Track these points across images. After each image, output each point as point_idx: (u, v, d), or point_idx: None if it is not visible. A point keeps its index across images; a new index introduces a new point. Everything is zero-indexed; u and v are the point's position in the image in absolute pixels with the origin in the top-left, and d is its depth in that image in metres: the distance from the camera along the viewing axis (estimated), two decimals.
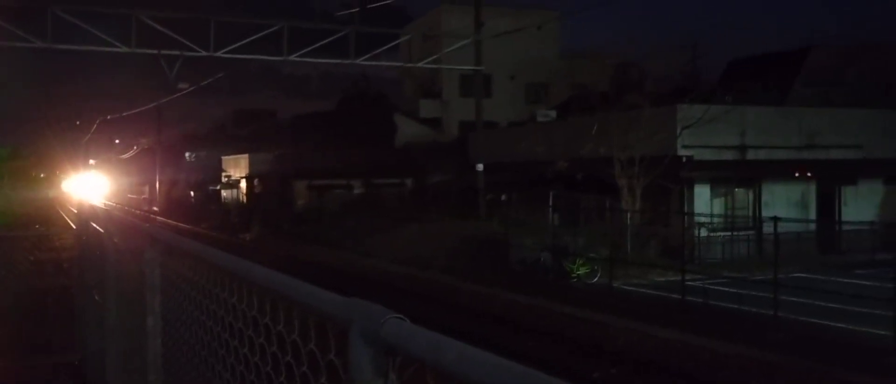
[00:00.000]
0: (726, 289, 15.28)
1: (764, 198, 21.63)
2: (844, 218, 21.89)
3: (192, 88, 27.68)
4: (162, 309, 3.49)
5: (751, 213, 21.50)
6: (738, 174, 21.50)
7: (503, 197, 19.26)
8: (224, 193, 46.80)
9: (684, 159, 20.47)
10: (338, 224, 29.94)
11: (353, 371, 1.35)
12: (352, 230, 28.32)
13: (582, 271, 17.17)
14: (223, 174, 46.59)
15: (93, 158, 56.98)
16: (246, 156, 42.61)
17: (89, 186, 46.04)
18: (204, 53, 21.32)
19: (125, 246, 4.29)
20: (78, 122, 52.77)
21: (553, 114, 31.41)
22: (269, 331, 2.08)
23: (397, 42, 27.79)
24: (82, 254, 7.24)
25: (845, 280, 15.83)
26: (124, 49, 20.44)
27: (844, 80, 26.51)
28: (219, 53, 21.66)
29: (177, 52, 21.18)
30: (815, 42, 29.78)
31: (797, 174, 21.57)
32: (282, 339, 1.96)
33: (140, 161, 60.24)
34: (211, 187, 49.91)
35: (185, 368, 3.14)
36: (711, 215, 20.12)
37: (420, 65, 27.71)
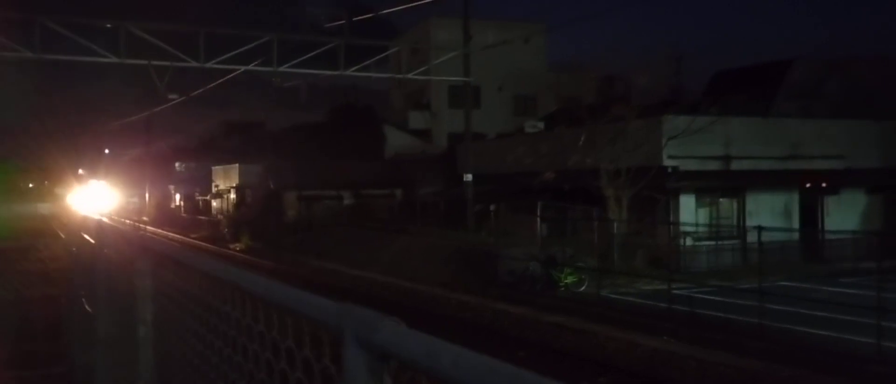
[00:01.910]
0: (712, 297, 15.40)
1: (748, 207, 21.83)
2: (827, 227, 22.12)
3: (182, 99, 27.59)
4: (153, 318, 3.49)
5: (735, 223, 21.69)
6: (723, 184, 21.70)
7: (492, 207, 19.31)
8: (214, 204, 46.59)
9: (670, 170, 20.63)
10: (327, 235, 29.90)
11: (347, 377, 1.35)
12: (342, 241, 28.28)
13: (570, 281, 17.24)
14: (213, 185, 46.40)
15: (82, 168, 56.45)
16: (236, 166, 42.47)
17: (94, 199, 45.45)
18: (194, 64, 21.27)
19: (116, 256, 4.31)
20: (63, 132, 52.33)
21: (541, 125, 31.57)
22: (263, 338, 2.07)
23: (386, 54, 27.90)
24: (72, 265, 7.23)
25: (829, 288, 16.01)
26: (114, 59, 20.35)
27: (827, 92, 26.83)
28: (209, 64, 21.63)
29: (167, 63, 21.12)
30: (800, 54, 30.17)
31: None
32: (276, 346, 1.97)
33: (130, 171, 59.85)
34: (200, 197, 49.69)
35: (177, 378, 3.15)
36: (697, 225, 20.28)
37: (409, 76, 27.81)
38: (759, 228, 13.74)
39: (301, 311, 1.67)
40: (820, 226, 22.43)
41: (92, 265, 5.44)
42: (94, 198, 43.52)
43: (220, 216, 42.39)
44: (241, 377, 2.23)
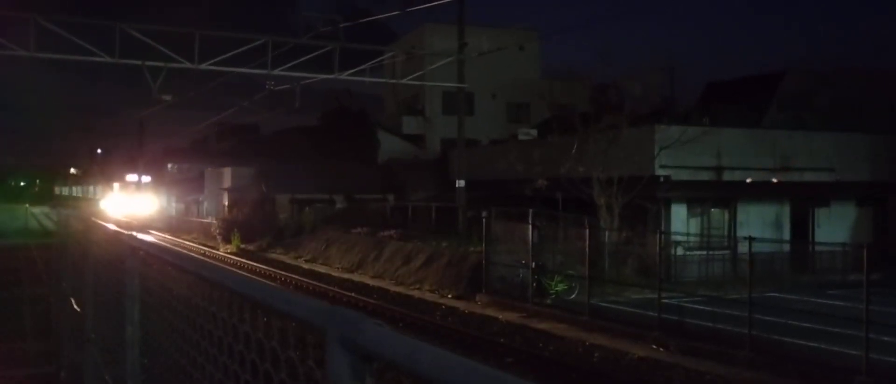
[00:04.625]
0: (702, 307, 15.46)
1: (739, 218, 21.94)
2: (817, 239, 22.24)
3: (174, 100, 27.43)
4: (141, 318, 3.49)
5: (726, 233, 21.78)
6: (714, 194, 21.81)
7: (484, 214, 19.32)
8: (206, 206, 46.46)
9: (661, 179, 20.73)
10: (318, 239, 29.87)
11: (330, 377, 1.36)
12: (332, 245, 28.25)
13: (560, 288, 17.26)
14: (204, 187, 46.26)
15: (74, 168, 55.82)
16: (228, 169, 42.38)
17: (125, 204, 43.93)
18: (188, 65, 21.24)
19: (105, 255, 4.31)
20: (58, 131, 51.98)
21: (534, 132, 31.65)
22: (248, 338, 2.09)
23: (381, 59, 27.95)
24: (61, 265, 7.21)
25: (818, 300, 16.10)
26: (108, 59, 20.31)
27: (818, 104, 27.04)
28: (203, 66, 21.60)
29: (161, 64, 21.06)
30: (793, 66, 30.42)
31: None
32: (261, 346, 1.99)
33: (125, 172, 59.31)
34: (192, 199, 49.51)
35: (164, 377, 3.15)
36: (688, 234, 20.35)
37: (404, 81, 27.86)
38: (751, 239, 13.78)
39: (285, 312, 1.67)
40: (810, 237, 22.56)
41: (81, 265, 5.44)
42: (125, 204, 42.32)
43: (213, 217, 42.27)
44: (226, 377, 2.24)
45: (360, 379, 1.32)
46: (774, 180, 21.63)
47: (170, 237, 36.96)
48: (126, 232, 3.54)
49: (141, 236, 3.38)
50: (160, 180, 52.79)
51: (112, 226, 3.86)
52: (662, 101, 25.63)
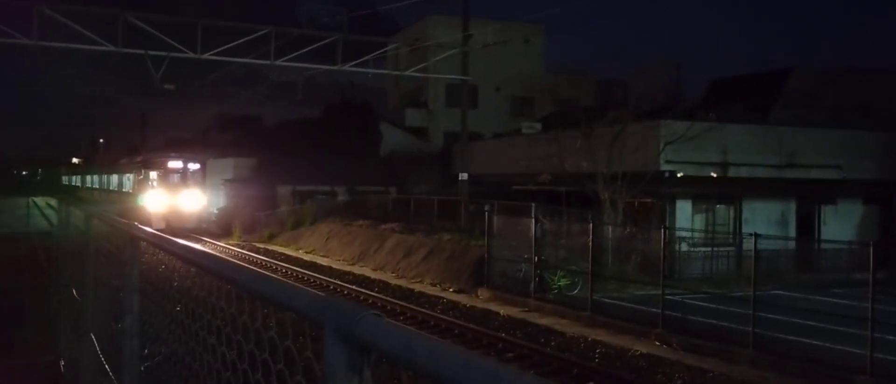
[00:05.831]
0: (705, 304, 15.40)
1: (744, 215, 21.87)
2: (824, 236, 22.15)
3: (176, 88, 27.26)
4: (140, 308, 3.48)
5: (731, 230, 21.70)
6: (719, 191, 21.73)
7: (486, 207, 19.29)
8: (208, 196, 46.35)
9: (667, 174, 20.65)
10: (320, 231, 29.86)
11: (327, 368, 1.35)
12: (334, 237, 28.25)
13: (562, 283, 17.22)
14: (207, 178, 46.11)
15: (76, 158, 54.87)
16: (230, 160, 42.38)
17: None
18: (191, 55, 21.21)
19: (105, 245, 4.28)
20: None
21: (538, 126, 31.56)
22: (246, 328, 2.09)
23: (385, 51, 27.89)
24: (62, 254, 7.19)
25: (822, 298, 16.04)
26: (111, 48, 20.31)
27: (824, 102, 26.91)
28: (206, 55, 21.56)
29: (164, 53, 21.03)
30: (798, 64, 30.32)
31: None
32: (259, 337, 1.98)
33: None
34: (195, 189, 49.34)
35: (162, 366, 3.14)
36: (692, 230, 20.28)
37: (407, 73, 27.80)
38: (756, 235, 13.72)
39: (283, 303, 1.69)
40: (816, 235, 22.48)
41: (81, 254, 5.41)
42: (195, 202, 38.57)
43: (213, 209, 42.27)
44: (224, 367, 2.25)
45: (356, 370, 1.31)
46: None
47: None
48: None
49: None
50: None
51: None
52: (668, 97, 25.56)
